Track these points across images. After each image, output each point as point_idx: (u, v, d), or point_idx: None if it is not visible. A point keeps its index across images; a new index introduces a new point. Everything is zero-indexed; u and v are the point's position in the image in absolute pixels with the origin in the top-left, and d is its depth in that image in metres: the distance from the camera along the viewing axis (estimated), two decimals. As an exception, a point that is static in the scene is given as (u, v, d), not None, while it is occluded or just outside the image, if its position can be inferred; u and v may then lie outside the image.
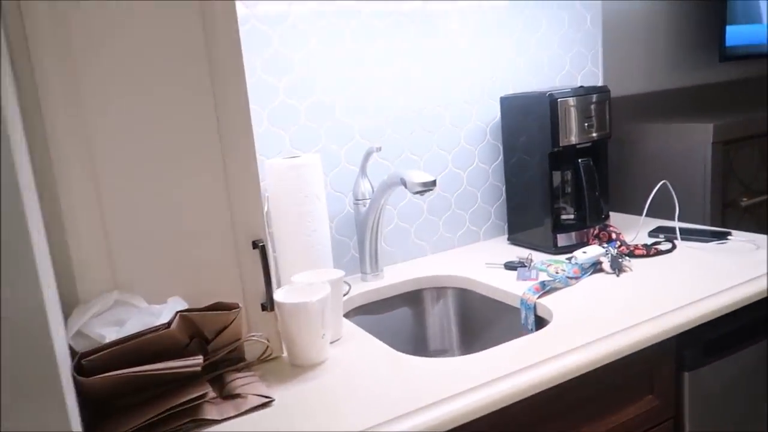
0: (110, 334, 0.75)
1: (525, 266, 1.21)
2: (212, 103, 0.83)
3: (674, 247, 1.24)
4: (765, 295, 1.00)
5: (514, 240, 1.41)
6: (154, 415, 0.71)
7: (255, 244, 0.87)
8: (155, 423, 0.71)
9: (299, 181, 1.07)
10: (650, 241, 1.31)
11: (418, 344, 1.27)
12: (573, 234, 1.30)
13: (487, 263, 1.27)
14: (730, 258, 1.15)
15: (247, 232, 0.87)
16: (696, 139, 1.61)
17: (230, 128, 0.85)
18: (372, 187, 1.22)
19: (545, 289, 1.08)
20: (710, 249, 1.21)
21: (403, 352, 1.22)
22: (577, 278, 1.12)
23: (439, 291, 1.27)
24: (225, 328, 0.79)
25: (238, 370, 0.85)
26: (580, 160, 1.25)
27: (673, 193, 1.34)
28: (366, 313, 1.21)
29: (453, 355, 1.28)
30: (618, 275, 1.12)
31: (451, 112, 1.37)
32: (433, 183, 1.03)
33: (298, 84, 1.19)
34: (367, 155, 1.21)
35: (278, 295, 0.88)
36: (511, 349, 0.89)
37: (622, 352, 0.88)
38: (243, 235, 0.87)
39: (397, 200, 1.34)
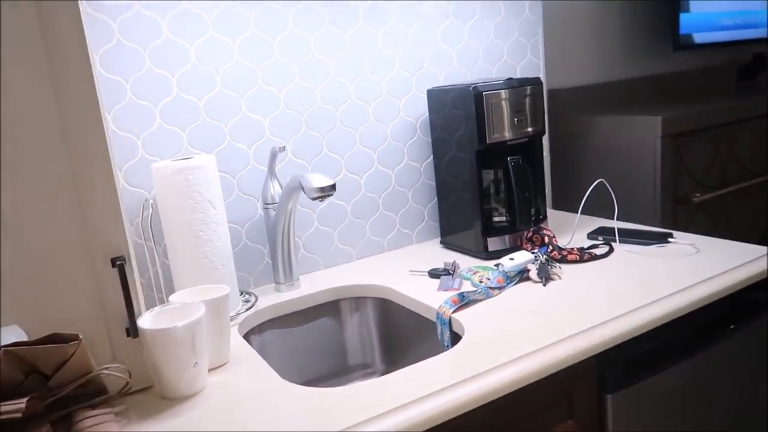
0: None
1: (449, 274, 1.12)
2: (53, 100, 0.72)
3: (611, 250, 1.16)
4: (694, 308, 0.92)
5: (446, 244, 1.32)
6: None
7: (114, 263, 0.76)
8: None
9: (187, 185, 0.95)
10: (588, 243, 1.22)
11: (336, 359, 1.17)
12: (506, 237, 1.20)
13: (411, 270, 1.18)
14: (666, 263, 1.06)
15: (105, 248, 0.76)
16: (644, 133, 1.53)
17: (77, 129, 0.73)
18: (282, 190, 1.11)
19: (464, 301, 0.98)
20: (649, 253, 1.13)
21: (321, 368, 1.13)
22: (500, 288, 1.03)
23: (358, 301, 1.17)
24: (65, 362, 0.68)
25: (93, 407, 0.74)
26: (509, 159, 1.16)
27: (612, 192, 1.25)
28: (278, 326, 1.11)
29: (376, 370, 1.18)
30: (545, 284, 1.03)
31: (376, 106, 1.27)
32: (332, 188, 0.93)
33: (195, 77, 1.08)
34: (273, 156, 1.10)
35: (143, 320, 0.77)
36: (413, 374, 0.79)
37: (534, 376, 0.79)
38: (100, 251, 0.76)
39: (316, 203, 1.23)
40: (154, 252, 0.97)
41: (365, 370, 1.18)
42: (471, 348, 0.84)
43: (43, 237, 0.73)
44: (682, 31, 1.83)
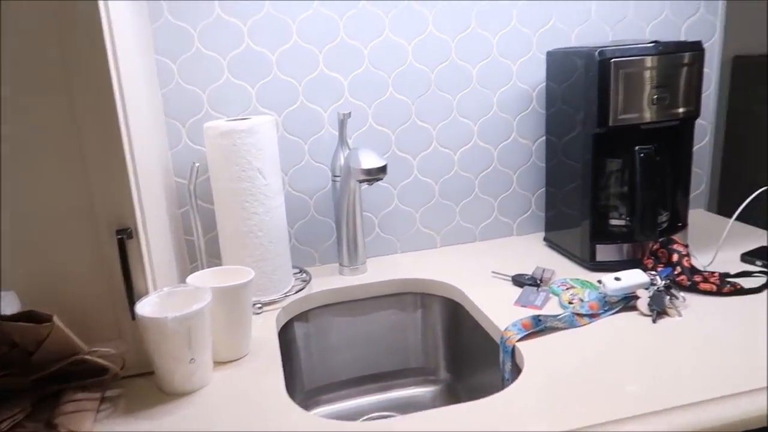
0: None
1: (535, 285, 0.90)
2: (56, 49, 0.64)
3: (768, 284, 0.86)
4: None
5: (550, 242, 1.09)
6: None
7: (118, 234, 0.69)
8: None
9: (235, 150, 0.85)
10: (738, 267, 0.92)
11: (396, 358, 1.03)
12: (623, 247, 0.95)
13: (494, 272, 0.98)
14: None
15: (110, 217, 0.69)
16: None
17: (83, 82, 0.65)
18: (352, 162, 0.97)
19: (538, 327, 0.78)
20: (826, 296, 0.81)
21: (379, 364, 1.00)
22: (592, 316, 0.80)
23: (426, 298, 1.00)
24: (42, 341, 0.63)
25: (84, 388, 0.68)
26: (638, 148, 0.89)
27: (785, 205, 0.93)
28: (333, 314, 0.99)
29: (439, 379, 1.03)
30: (655, 320, 0.78)
31: (482, 69, 1.06)
32: (380, 170, 0.77)
33: (268, 26, 0.96)
34: (341, 123, 0.95)
35: (142, 303, 0.70)
36: (437, 418, 0.63)
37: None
38: (105, 221, 0.69)
39: (398, 177, 1.07)
40: (197, 220, 0.89)
41: (426, 377, 1.03)
42: (525, 395, 0.65)
43: (44, 200, 0.67)
44: None
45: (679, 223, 1.00)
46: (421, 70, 1.03)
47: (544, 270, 0.93)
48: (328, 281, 1.00)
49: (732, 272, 0.90)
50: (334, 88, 1.01)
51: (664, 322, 0.78)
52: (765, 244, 1.00)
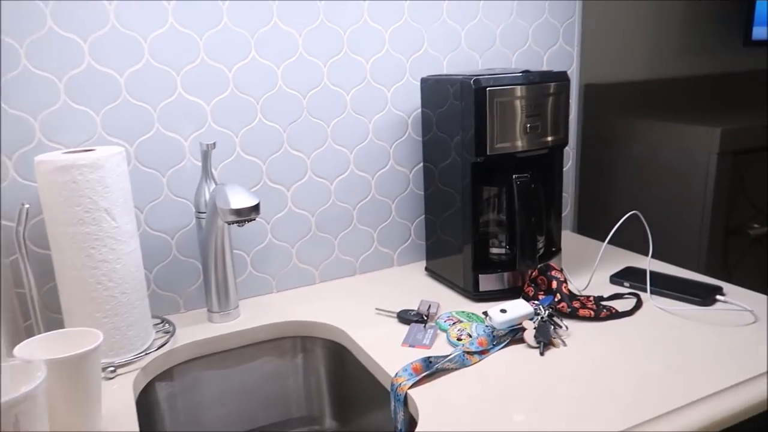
0: None
1: (422, 321, 0.87)
2: None
3: (639, 305, 0.89)
4: (762, 410, 0.65)
5: (432, 272, 1.06)
6: None
7: None
8: None
9: (75, 189, 0.72)
10: (610, 290, 0.95)
11: (276, 410, 0.94)
12: (505, 276, 0.94)
13: (378, 309, 0.93)
14: (711, 337, 0.79)
15: None
16: (698, 147, 1.23)
17: None
18: (218, 196, 0.87)
19: (429, 370, 0.73)
20: (689, 315, 0.85)
21: (256, 418, 0.91)
22: (482, 353, 0.77)
23: (307, 341, 0.93)
24: None
25: None
26: (515, 177, 0.89)
27: (647, 228, 0.98)
28: (206, 367, 0.88)
29: (324, 428, 0.95)
30: (542, 352, 0.77)
31: (356, 95, 1.01)
32: (253, 209, 0.68)
33: (115, 43, 0.84)
34: (205, 154, 0.86)
35: (-50, 387, 0.55)
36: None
37: None
38: None
39: (271, 210, 0.99)
40: (28, 271, 0.74)
41: (311, 427, 0.95)
42: (419, 456, 0.60)
43: None
44: (757, 22, 1.51)
45: (553, 247, 1.02)
46: (293, 95, 0.96)
47: (429, 305, 0.90)
48: (195, 331, 0.89)
49: (605, 295, 0.92)
50: (196, 114, 0.90)
51: (551, 353, 0.77)
52: (627, 264, 1.04)
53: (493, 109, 0.86)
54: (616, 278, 0.98)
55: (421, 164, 1.08)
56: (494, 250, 0.96)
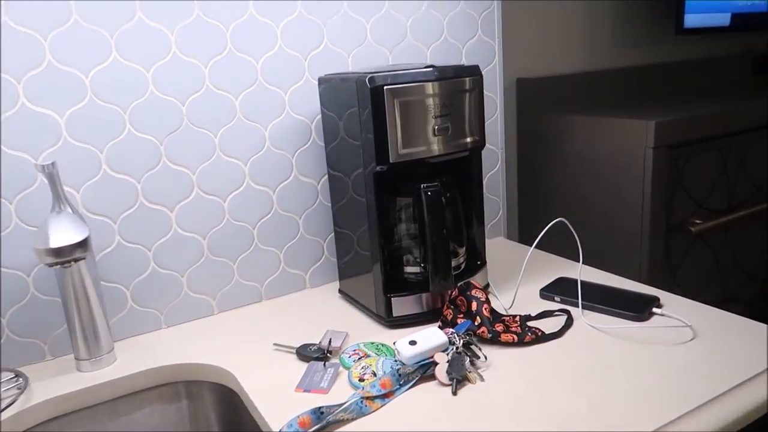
0: None
1: (322, 358, 0.75)
2: None
3: (569, 324, 0.79)
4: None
5: (345, 294, 0.95)
6: None
7: None
8: None
9: None
10: (539, 306, 0.85)
11: (164, 469, 0.81)
12: (422, 297, 0.83)
13: (276, 344, 0.81)
14: (646, 359, 0.69)
15: None
16: (632, 141, 1.15)
17: None
18: (75, 225, 0.73)
19: (318, 424, 0.62)
20: (622, 333, 0.76)
21: None
22: (385, 396, 0.66)
23: (193, 386, 0.80)
24: None
25: None
26: (423, 186, 0.78)
27: (576, 236, 0.89)
28: (71, 425, 0.74)
29: (221, 485, 0.82)
30: (455, 391, 0.66)
31: (247, 99, 0.89)
32: (76, 248, 0.55)
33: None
34: (50, 176, 0.72)
35: None
36: None
37: None
38: None
39: (151, 235, 0.86)
40: None
41: (205, 486, 0.82)
42: None
43: None
44: (689, 11, 1.45)
45: (478, 261, 0.91)
46: (169, 102, 0.83)
47: (332, 337, 0.78)
48: (58, 383, 0.75)
49: (533, 313, 0.83)
50: (46, 127, 0.76)
51: (465, 390, 0.66)
52: (561, 274, 0.95)
53: (393, 110, 0.75)
54: (547, 292, 0.88)
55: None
56: (409, 269, 0.85)
